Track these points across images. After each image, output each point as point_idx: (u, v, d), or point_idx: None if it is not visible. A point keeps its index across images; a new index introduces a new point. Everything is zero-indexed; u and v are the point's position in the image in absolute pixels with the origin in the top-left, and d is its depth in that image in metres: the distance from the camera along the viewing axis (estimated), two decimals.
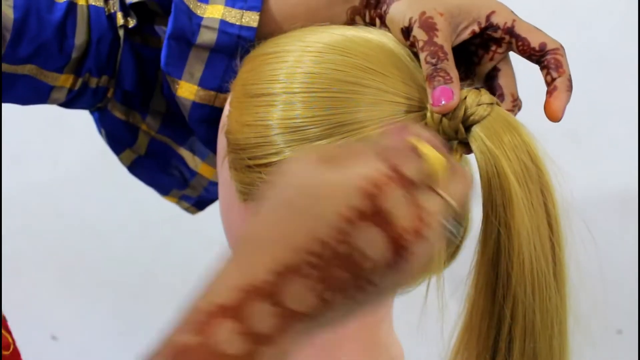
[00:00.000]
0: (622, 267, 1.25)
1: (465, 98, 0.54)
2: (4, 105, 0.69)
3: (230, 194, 0.59)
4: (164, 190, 0.81)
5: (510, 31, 0.59)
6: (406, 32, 0.58)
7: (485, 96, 0.54)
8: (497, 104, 0.55)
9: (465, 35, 0.59)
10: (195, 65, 0.66)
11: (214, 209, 0.63)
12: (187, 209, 0.83)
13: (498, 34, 0.59)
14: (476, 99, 0.54)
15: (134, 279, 1.40)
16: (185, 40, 0.65)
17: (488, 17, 0.59)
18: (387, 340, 0.63)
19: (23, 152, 1.32)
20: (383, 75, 0.55)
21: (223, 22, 0.65)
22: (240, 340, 0.40)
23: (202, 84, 0.66)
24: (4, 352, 0.55)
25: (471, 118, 0.53)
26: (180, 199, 0.82)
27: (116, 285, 1.40)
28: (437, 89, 0.53)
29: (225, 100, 0.65)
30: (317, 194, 0.41)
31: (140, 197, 1.37)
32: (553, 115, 0.57)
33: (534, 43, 0.58)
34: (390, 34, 0.59)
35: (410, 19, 0.57)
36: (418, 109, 0.55)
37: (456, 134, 0.54)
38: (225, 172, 0.59)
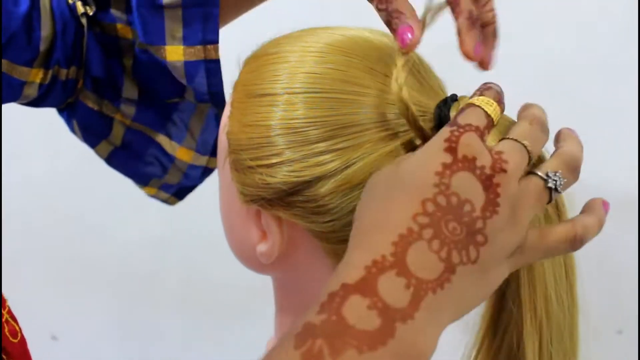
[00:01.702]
0: (622, 267, 1.25)
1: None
2: (3, 105, 0.69)
3: (231, 196, 0.59)
4: (142, 181, 0.81)
5: None
6: None
7: (492, 103, 0.54)
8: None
9: None
10: (174, 26, 0.67)
11: (214, 208, 0.63)
12: (166, 200, 0.83)
13: None
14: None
15: (135, 278, 1.40)
16: (152, 5, 0.67)
17: None
18: None
19: (22, 149, 1.32)
20: (386, 76, 0.55)
21: None
22: (372, 315, 0.41)
23: (187, 42, 0.67)
24: (13, 340, 0.55)
25: None
26: (160, 189, 0.82)
27: (116, 285, 1.40)
28: (397, 31, 0.52)
29: (216, 49, 0.68)
30: (410, 169, 0.46)
31: (141, 196, 1.37)
32: (469, 56, 0.53)
33: None
34: (390, 35, 0.59)
35: None
36: (423, 113, 0.54)
37: None
38: (226, 173, 0.59)
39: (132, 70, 0.72)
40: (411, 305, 0.42)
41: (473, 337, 0.57)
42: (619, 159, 1.24)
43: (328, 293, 0.43)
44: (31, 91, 0.70)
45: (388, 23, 0.53)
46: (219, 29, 0.68)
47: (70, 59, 0.70)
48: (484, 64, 0.54)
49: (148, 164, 0.78)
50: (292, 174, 0.54)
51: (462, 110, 0.49)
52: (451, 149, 0.46)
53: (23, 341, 0.57)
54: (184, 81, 0.70)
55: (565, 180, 0.49)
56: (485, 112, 0.49)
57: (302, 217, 0.55)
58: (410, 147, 0.53)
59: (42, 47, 0.68)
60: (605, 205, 0.52)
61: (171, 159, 0.78)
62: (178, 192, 0.82)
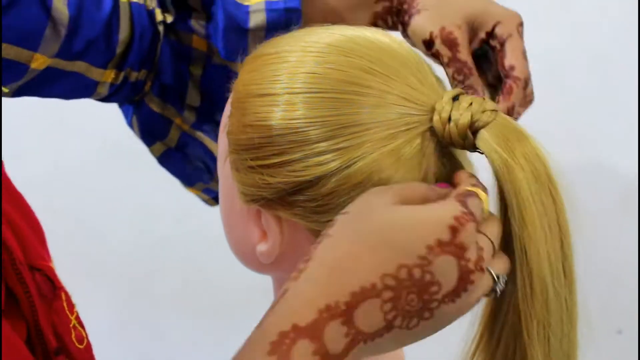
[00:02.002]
0: (622, 267, 1.25)
1: (471, 104, 0.54)
2: (4, 103, 0.70)
3: (232, 196, 0.59)
4: (189, 182, 0.83)
5: (502, 42, 0.65)
6: (428, 44, 0.64)
7: (489, 103, 0.55)
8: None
9: (477, 44, 0.65)
10: (256, 46, 0.69)
11: (215, 207, 0.63)
12: (206, 201, 0.85)
13: (494, 43, 0.65)
14: (481, 107, 0.54)
15: (135, 278, 1.40)
16: (239, 28, 0.70)
17: (493, 27, 0.65)
18: None
19: (23, 150, 1.32)
20: (386, 76, 0.55)
21: (268, 2, 0.70)
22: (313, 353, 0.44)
23: None
24: (79, 346, 0.56)
25: (477, 124, 0.54)
26: (203, 192, 0.84)
27: (116, 285, 1.40)
28: None
29: None
30: (410, 229, 0.46)
31: (141, 196, 1.37)
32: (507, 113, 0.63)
33: (507, 62, 0.64)
34: (392, 35, 0.59)
35: (431, 34, 0.63)
36: (424, 112, 0.55)
37: (464, 140, 0.54)
38: (227, 173, 0.59)
39: (200, 80, 0.75)
40: (343, 352, 0.45)
41: (472, 332, 0.58)
42: (618, 158, 1.24)
43: (279, 332, 0.44)
44: (103, 90, 0.73)
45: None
46: None
47: (143, 62, 0.73)
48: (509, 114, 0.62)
49: (196, 168, 0.81)
50: (292, 173, 0.54)
51: (469, 194, 0.50)
52: (454, 229, 0.47)
53: (89, 347, 0.57)
54: None
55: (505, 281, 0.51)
56: (483, 209, 0.51)
57: (302, 216, 0.55)
58: (411, 145, 0.54)
59: (119, 50, 0.71)
60: None
61: None
62: (217, 197, 0.84)
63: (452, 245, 0.46)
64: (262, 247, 0.57)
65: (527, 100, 0.66)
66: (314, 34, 0.58)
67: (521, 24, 0.66)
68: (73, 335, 0.56)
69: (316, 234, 0.55)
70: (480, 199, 0.50)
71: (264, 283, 0.65)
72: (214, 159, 0.79)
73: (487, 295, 0.51)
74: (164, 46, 0.73)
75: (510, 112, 0.63)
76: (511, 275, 0.53)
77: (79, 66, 0.69)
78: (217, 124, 0.77)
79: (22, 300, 0.51)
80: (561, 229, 0.53)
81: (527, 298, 0.53)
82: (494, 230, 0.51)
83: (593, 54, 1.23)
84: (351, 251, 0.46)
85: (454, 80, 0.62)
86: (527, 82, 0.64)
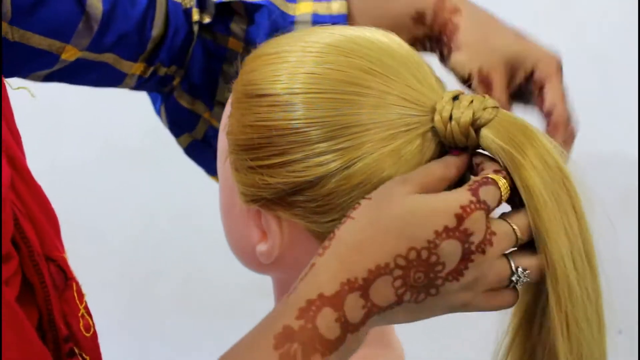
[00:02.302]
0: (622, 267, 1.25)
1: (472, 102, 0.54)
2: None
3: (232, 196, 0.59)
4: (212, 172, 0.84)
5: (540, 86, 0.68)
6: (465, 81, 0.67)
7: (490, 101, 0.55)
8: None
9: (518, 81, 0.68)
10: None
11: (215, 207, 0.63)
12: None
13: (533, 87, 0.68)
14: (482, 104, 0.54)
15: (135, 278, 1.40)
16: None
17: (532, 70, 0.68)
18: (390, 338, 0.64)
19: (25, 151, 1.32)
20: (386, 77, 0.55)
21: (315, 15, 0.71)
22: (336, 326, 0.49)
23: None
24: (86, 334, 0.58)
25: (478, 122, 0.54)
26: None
27: (117, 285, 1.40)
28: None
29: None
30: (421, 216, 0.50)
31: (141, 197, 1.37)
32: None
33: (546, 106, 0.67)
34: (391, 35, 0.59)
35: (469, 72, 0.66)
36: (424, 113, 0.55)
37: (466, 139, 0.54)
38: (227, 173, 0.59)
39: (232, 77, 0.75)
40: (361, 322, 0.50)
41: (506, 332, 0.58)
42: (619, 159, 1.24)
43: (307, 299, 0.49)
44: (131, 81, 0.74)
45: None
46: None
47: (174, 59, 0.74)
48: None
49: None
50: (292, 174, 0.54)
51: (484, 182, 0.52)
52: (460, 217, 0.50)
53: (95, 336, 0.60)
54: None
55: (530, 280, 0.53)
56: (501, 194, 0.53)
57: (302, 217, 0.55)
58: (411, 146, 0.54)
59: (150, 45, 0.72)
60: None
61: None
62: None
63: (457, 230, 0.50)
64: (262, 247, 0.57)
65: (570, 138, 0.68)
66: (314, 34, 0.58)
67: (561, 66, 0.68)
68: (81, 324, 0.58)
69: (316, 234, 0.55)
70: (497, 186, 0.52)
71: (264, 283, 0.65)
72: None
73: (506, 285, 0.53)
74: (197, 47, 0.75)
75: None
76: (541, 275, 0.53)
77: (108, 57, 0.71)
78: None
79: (37, 290, 0.53)
80: (579, 221, 0.54)
81: (554, 297, 0.53)
82: (519, 221, 0.52)
83: (593, 54, 1.23)
84: (370, 233, 0.51)
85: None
86: (566, 123, 0.67)
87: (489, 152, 0.54)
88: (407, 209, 0.51)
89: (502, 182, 0.52)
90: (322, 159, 0.53)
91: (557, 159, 0.53)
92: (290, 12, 0.71)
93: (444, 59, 0.70)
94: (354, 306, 0.49)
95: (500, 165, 0.53)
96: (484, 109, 0.54)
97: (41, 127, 1.32)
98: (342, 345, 0.49)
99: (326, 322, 0.49)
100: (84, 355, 0.57)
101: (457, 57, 0.68)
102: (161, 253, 1.39)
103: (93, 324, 0.59)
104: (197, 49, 0.75)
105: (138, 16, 0.71)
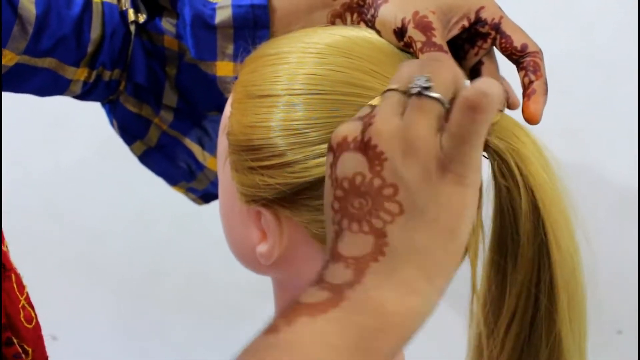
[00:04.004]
0: (622, 267, 1.25)
1: None
2: (5, 104, 0.70)
3: (231, 196, 0.59)
4: (172, 181, 0.83)
5: (496, 27, 0.60)
6: (399, 33, 0.58)
7: None
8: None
9: (456, 30, 0.60)
10: (225, 44, 0.70)
11: (216, 208, 0.63)
12: (194, 200, 0.86)
13: (485, 29, 0.60)
14: None
15: (135, 279, 1.40)
16: (205, 24, 0.70)
17: (477, 12, 0.60)
18: None
19: (23, 152, 1.32)
20: (386, 78, 0.55)
21: None
22: (321, 292, 0.44)
23: (237, 59, 0.71)
24: (27, 325, 0.58)
25: None
26: (187, 190, 0.84)
27: (117, 285, 1.40)
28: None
29: None
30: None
31: (142, 197, 1.37)
32: (532, 117, 0.58)
33: (517, 42, 0.60)
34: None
35: (402, 20, 0.58)
36: None
37: None
38: (227, 174, 0.59)
39: (175, 80, 0.75)
40: (356, 276, 0.44)
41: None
42: (618, 158, 1.24)
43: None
44: (76, 88, 0.73)
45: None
46: None
47: (115, 62, 0.73)
48: (534, 121, 0.58)
49: (178, 167, 0.81)
50: (292, 175, 0.54)
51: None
52: (330, 147, 0.47)
53: (37, 327, 0.59)
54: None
55: (429, 76, 0.45)
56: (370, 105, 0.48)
57: (302, 217, 0.55)
58: None
59: (90, 48, 0.72)
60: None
61: (201, 167, 0.80)
62: (204, 196, 0.85)
63: (333, 152, 0.47)
64: (261, 248, 0.57)
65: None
66: (314, 35, 0.58)
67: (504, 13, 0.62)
68: (22, 315, 0.57)
69: (316, 235, 0.55)
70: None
71: (264, 283, 0.65)
72: (194, 158, 0.80)
73: (432, 105, 0.45)
74: (136, 46, 0.74)
75: (546, 87, 0.60)
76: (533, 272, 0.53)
77: (50, 62, 0.70)
78: (195, 123, 0.78)
79: None
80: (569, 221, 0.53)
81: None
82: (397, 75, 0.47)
83: (593, 55, 1.23)
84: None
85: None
86: (543, 59, 0.61)
87: (491, 154, 0.54)
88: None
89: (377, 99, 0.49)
90: (322, 159, 0.53)
91: (548, 163, 0.53)
92: (213, 0, 0.71)
93: (373, 23, 0.62)
94: (334, 272, 0.45)
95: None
96: None
97: (43, 128, 1.32)
98: (342, 302, 0.43)
99: (308, 294, 0.45)
100: (25, 346, 0.57)
101: (386, 8, 0.59)
102: (162, 254, 1.39)
103: (35, 315, 0.59)
104: (137, 50, 0.74)
105: (74, 19, 0.70)
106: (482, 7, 0.60)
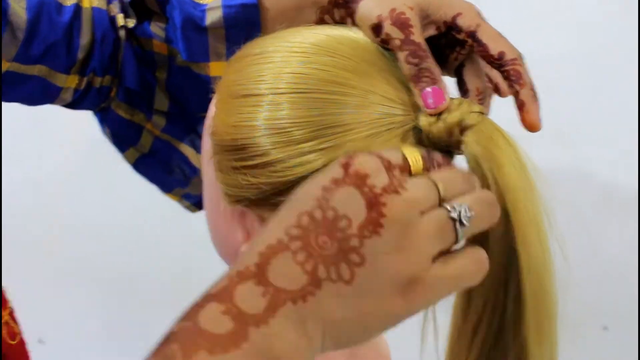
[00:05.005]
0: (608, 264, 1.25)
1: (461, 104, 0.54)
2: None
3: (216, 197, 0.59)
4: (166, 188, 0.83)
5: (472, 35, 0.59)
6: (376, 29, 0.57)
7: (477, 106, 0.55)
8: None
9: (430, 32, 0.59)
10: (218, 45, 0.70)
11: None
12: (187, 207, 0.85)
13: (461, 36, 0.59)
14: (470, 107, 0.54)
15: (122, 280, 1.39)
16: (196, 26, 0.69)
17: (454, 18, 0.59)
18: (377, 340, 0.63)
19: (8, 152, 1.31)
20: (371, 76, 0.55)
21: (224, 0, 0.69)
22: (225, 319, 0.42)
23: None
24: (10, 342, 0.57)
25: (464, 123, 0.54)
26: (182, 197, 0.84)
27: (104, 288, 1.40)
28: (426, 91, 0.54)
29: None
30: (306, 182, 0.46)
31: (128, 198, 1.37)
32: (532, 128, 0.57)
33: (493, 51, 0.58)
34: None
35: (379, 17, 0.57)
36: (408, 112, 0.55)
37: (449, 138, 0.54)
38: (211, 174, 0.59)
39: (166, 83, 0.75)
40: (266, 312, 0.42)
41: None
42: (619, 157, 1.25)
43: (192, 305, 0.44)
44: (67, 96, 0.73)
45: (416, 78, 0.54)
46: None
47: (106, 68, 0.73)
48: (534, 129, 0.57)
49: (173, 173, 0.80)
50: (276, 174, 0.54)
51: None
52: (345, 164, 0.46)
53: (22, 343, 0.59)
54: None
55: (474, 213, 0.47)
56: (403, 154, 0.49)
57: None
58: (394, 144, 0.54)
59: (80, 55, 0.71)
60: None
61: (195, 171, 0.80)
62: (198, 203, 0.84)
63: (347, 177, 0.45)
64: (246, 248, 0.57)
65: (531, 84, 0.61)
66: (298, 35, 0.58)
67: (480, 13, 0.60)
68: (5, 332, 0.56)
69: None
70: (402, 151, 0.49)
71: None
72: (188, 163, 0.79)
73: (454, 238, 0.46)
74: (127, 52, 0.73)
75: (534, 92, 0.58)
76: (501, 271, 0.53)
77: (40, 70, 0.70)
78: (188, 127, 0.77)
79: None
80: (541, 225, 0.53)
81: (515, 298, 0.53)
82: (441, 174, 0.48)
83: (593, 54, 1.23)
84: (260, 224, 0.47)
85: (407, 64, 0.55)
86: (523, 64, 0.59)
87: (468, 156, 0.54)
88: (297, 190, 0.47)
89: (409, 150, 0.49)
90: (305, 158, 0.53)
91: (526, 170, 0.53)
92: (201, 2, 0.70)
93: (353, 19, 0.62)
94: (248, 295, 0.43)
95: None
96: (471, 112, 0.54)
97: (28, 128, 1.31)
98: (244, 342, 0.41)
99: (209, 316, 0.42)
100: None
101: (365, 4, 0.58)
102: (149, 255, 1.38)
103: (19, 331, 0.58)
104: (127, 55, 0.74)
105: (64, 25, 0.70)
106: (459, 14, 0.59)
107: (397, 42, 0.55)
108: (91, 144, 1.37)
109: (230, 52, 0.69)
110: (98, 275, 1.39)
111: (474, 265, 0.47)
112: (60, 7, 0.70)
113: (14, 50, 0.67)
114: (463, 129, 0.54)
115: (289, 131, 0.53)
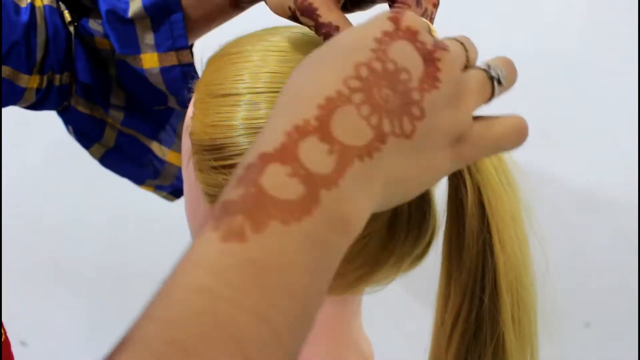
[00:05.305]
0: (590, 260, 1.26)
1: None
2: None
3: (197, 196, 0.58)
4: (138, 180, 0.83)
5: None
6: (295, 19, 0.55)
7: None
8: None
9: None
10: (145, 35, 0.71)
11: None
12: (165, 197, 0.86)
13: None
14: None
15: (105, 281, 1.39)
16: (121, 18, 0.70)
17: None
18: (357, 336, 0.63)
19: None
20: None
21: None
22: (293, 182, 0.38)
23: (159, 48, 0.71)
24: None
25: None
26: (156, 188, 0.84)
27: (87, 288, 1.39)
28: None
29: (188, 54, 0.71)
30: (354, 32, 0.43)
31: (110, 199, 1.36)
32: None
33: None
34: None
35: (290, 8, 0.54)
36: None
37: None
38: (191, 174, 0.59)
39: (116, 78, 0.75)
40: (336, 172, 0.39)
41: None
42: (600, 158, 1.25)
43: (245, 166, 0.39)
44: (30, 96, 0.73)
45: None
46: (186, 35, 0.71)
47: (62, 64, 0.73)
48: None
49: (142, 165, 0.80)
50: None
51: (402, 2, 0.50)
52: (395, 19, 0.44)
53: (6, 343, 0.58)
54: (163, 87, 0.72)
55: (506, 74, 0.47)
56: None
57: None
58: None
59: (39, 54, 0.71)
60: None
61: (162, 162, 0.80)
62: (173, 192, 0.85)
63: (399, 31, 0.43)
64: None
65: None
66: (275, 33, 0.58)
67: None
68: None
69: None
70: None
71: None
72: (154, 155, 0.79)
73: (491, 90, 0.47)
74: (77, 47, 0.74)
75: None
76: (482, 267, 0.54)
77: (5, 71, 0.70)
78: (148, 118, 0.78)
79: None
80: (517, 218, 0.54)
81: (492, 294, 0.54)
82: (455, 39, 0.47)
83: (593, 54, 1.24)
84: (310, 72, 0.42)
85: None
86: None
87: None
88: (339, 37, 0.44)
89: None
90: None
91: (504, 163, 0.54)
92: None
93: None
94: (314, 152, 0.38)
95: None
96: None
97: (8, 128, 1.30)
98: (316, 208, 0.38)
99: (276, 179, 0.38)
100: None
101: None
102: (132, 256, 1.38)
103: (4, 331, 0.58)
104: (78, 50, 0.74)
105: (23, 24, 0.70)
106: None
107: (313, 30, 0.53)
108: (73, 143, 1.36)
109: (158, 43, 0.70)
110: (81, 276, 1.38)
111: (514, 131, 0.46)
112: (17, 7, 0.71)
113: None
114: None
115: None
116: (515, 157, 0.55)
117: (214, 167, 0.55)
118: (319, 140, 0.39)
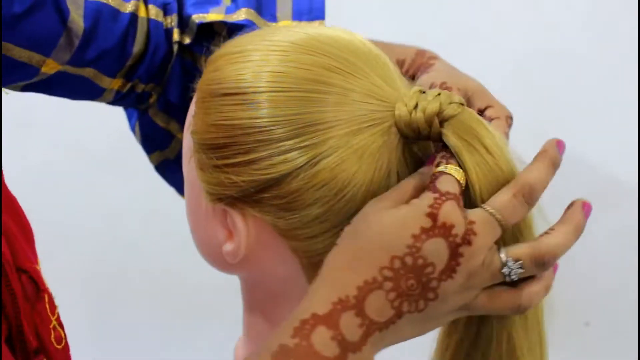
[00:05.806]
0: (590, 260, 1.26)
1: (439, 95, 0.54)
2: None
3: (198, 195, 0.58)
4: (182, 192, 0.83)
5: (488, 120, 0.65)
6: None
7: (457, 97, 0.55)
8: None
9: None
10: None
11: (184, 209, 0.63)
12: None
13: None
14: (449, 98, 0.55)
15: (103, 280, 1.39)
16: None
17: (485, 108, 0.66)
18: None
19: None
20: (350, 74, 0.55)
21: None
22: (333, 345, 0.49)
23: None
24: (57, 346, 0.58)
25: (444, 113, 0.54)
26: None
27: (85, 286, 1.39)
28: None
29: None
30: (396, 226, 0.51)
31: (109, 198, 1.36)
32: None
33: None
34: (355, 34, 0.59)
35: (432, 85, 0.64)
36: (388, 109, 0.55)
37: (429, 128, 0.54)
38: (192, 173, 0.59)
39: None
40: (361, 340, 0.50)
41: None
42: (619, 156, 1.25)
43: (300, 319, 0.50)
44: (109, 96, 0.75)
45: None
46: None
47: (152, 76, 0.75)
48: None
49: None
50: (258, 172, 0.54)
51: (436, 177, 0.53)
52: (433, 215, 0.51)
53: (67, 347, 0.60)
54: None
55: (523, 271, 0.53)
56: (458, 180, 0.53)
57: (269, 214, 0.55)
58: (375, 141, 0.54)
59: (130, 62, 0.73)
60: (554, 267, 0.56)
61: None
62: None
63: (435, 228, 0.50)
64: (228, 247, 0.57)
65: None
66: (277, 33, 0.58)
67: (511, 117, 0.67)
68: (52, 336, 0.58)
69: (282, 232, 0.55)
70: (449, 174, 0.53)
71: (233, 283, 0.65)
72: None
73: (502, 281, 0.53)
74: (175, 66, 0.76)
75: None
76: None
77: (88, 72, 0.72)
78: None
79: (6, 301, 0.53)
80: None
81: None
82: (496, 204, 0.52)
83: (594, 54, 1.24)
84: (353, 254, 0.51)
85: None
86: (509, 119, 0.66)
87: (448, 145, 0.54)
88: (382, 223, 0.51)
89: (450, 168, 0.53)
90: (287, 156, 0.53)
91: (508, 159, 0.54)
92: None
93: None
94: (350, 324, 0.50)
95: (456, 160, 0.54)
96: (450, 103, 0.54)
97: (10, 128, 1.30)
98: None
99: (322, 339, 0.49)
100: None
101: (422, 77, 0.67)
102: (130, 254, 1.38)
103: (65, 336, 0.59)
104: (176, 68, 0.76)
105: (119, 33, 0.72)
106: (491, 106, 0.66)
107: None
108: (73, 144, 1.36)
109: None
110: (79, 274, 1.38)
111: (512, 309, 0.54)
112: (116, 14, 0.72)
113: (68, 55, 0.69)
114: (443, 119, 0.54)
115: (269, 129, 0.53)
116: (514, 157, 0.55)
117: (216, 166, 0.55)
118: (354, 315, 0.50)
